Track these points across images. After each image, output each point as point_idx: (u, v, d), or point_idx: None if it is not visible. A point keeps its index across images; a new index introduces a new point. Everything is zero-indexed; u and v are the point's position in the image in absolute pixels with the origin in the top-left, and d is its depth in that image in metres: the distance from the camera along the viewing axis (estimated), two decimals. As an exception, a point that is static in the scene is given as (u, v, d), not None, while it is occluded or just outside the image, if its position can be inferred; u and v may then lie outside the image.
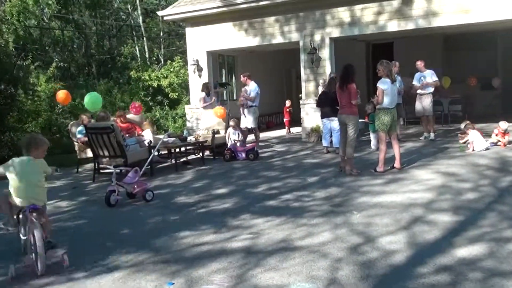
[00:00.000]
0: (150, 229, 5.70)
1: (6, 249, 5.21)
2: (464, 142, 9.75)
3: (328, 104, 9.96)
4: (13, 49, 16.25)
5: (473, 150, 9.44)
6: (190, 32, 14.81)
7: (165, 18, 15.48)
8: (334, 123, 9.76)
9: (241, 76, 12.04)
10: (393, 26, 11.93)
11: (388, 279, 3.89)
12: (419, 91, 11.23)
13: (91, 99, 9.92)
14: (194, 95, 14.70)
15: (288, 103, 15.74)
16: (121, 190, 7.05)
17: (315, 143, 12.27)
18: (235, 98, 16.06)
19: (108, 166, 8.00)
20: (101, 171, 9.31)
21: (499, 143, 9.78)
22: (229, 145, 10.69)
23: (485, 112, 15.07)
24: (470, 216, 5.39)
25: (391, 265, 4.14)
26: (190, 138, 10.88)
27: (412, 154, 9.66)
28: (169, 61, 22.66)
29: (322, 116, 10.47)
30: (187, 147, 10.79)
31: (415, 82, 11.32)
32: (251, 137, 12.10)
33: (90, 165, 10.35)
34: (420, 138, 11.59)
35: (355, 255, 4.39)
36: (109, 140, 8.52)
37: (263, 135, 14.62)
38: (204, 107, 12.38)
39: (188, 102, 16.43)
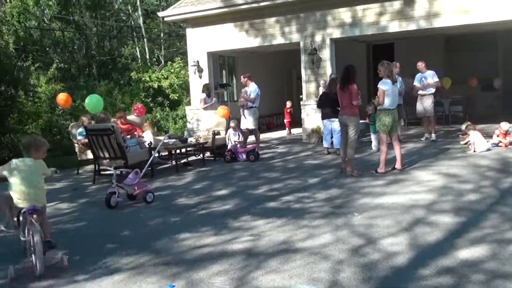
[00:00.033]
0: (150, 231, 5.68)
1: (6, 251, 5.19)
2: (466, 143, 9.74)
3: (328, 105, 9.93)
4: (13, 50, 16.24)
5: (474, 151, 9.43)
6: (191, 33, 14.80)
7: (165, 19, 15.48)
8: (335, 124, 9.74)
9: (241, 77, 12.04)
10: (395, 26, 11.91)
11: (390, 281, 3.87)
12: (420, 92, 11.21)
13: (92, 101, 9.90)
14: (195, 96, 14.69)
15: (288, 104, 15.72)
16: (121, 191, 7.03)
17: (316, 144, 12.25)
18: (235, 99, 16.04)
19: (108, 168, 7.98)
20: (101, 172, 9.31)
21: (500, 144, 9.76)
22: (229, 147, 10.68)
23: (486, 113, 15.05)
24: (471, 218, 5.37)
25: (393, 267, 4.12)
26: (191, 139, 10.87)
27: (413, 155, 9.64)
28: (169, 62, 22.65)
29: (323, 117, 10.45)
30: (188, 149, 10.77)
31: (416, 83, 11.31)
32: (251, 138, 12.08)
33: (90, 167, 10.33)
34: (421, 139, 11.57)
35: (357, 257, 4.37)
36: (109, 142, 8.50)
37: (263, 136, 14.61)
38: (205, 108, 12.37)
39: (189, 103, 16.42)
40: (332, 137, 10.35)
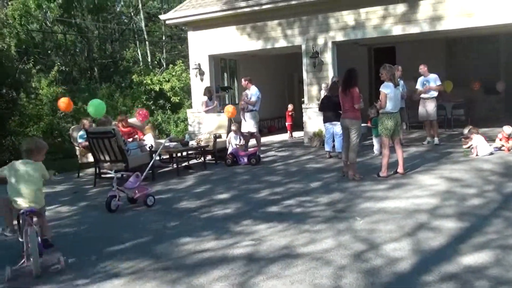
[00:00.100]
0: (151, 235, 5.63)
1: (5, 254, 5.15)
2: (468, 147, 9.69)
3: (330, 108, 9.90)
4: (15, 53, 16.23)
5: (477, 155, 9.38)
6: (192, 36, 14.79)
7: (167, 22, 15.48)
8: (337, 127, 9.70)
9: (242, 80, 12.02)
10: (397, 30, 11.87)
11: (392, 288, 3.82)
12: (422, 95, 11.16)
13: (95, 106, 9.85)
14: (196, 99, 14.67)
15: (290, 107, 15.68)
16: (122, 195, 6.99)
17: (318, 148, 12.21)
18: (237, 102, 16.01)
19: (109, 171, 7.95)
20: (102, 175, 9.28)
21: (503, 148, 9.71)
22: (230, 150, 10.64)
23: (488, 116, 14.99)
24: (475, 223, 5.32)
25: (396, 273, 4.07)
26: (192, 143, 10.84)
27: (416, 159, 9.59)
28: (171, 65, 22.65)
29: (325, 121, 10.41)
30: (189, 152, 10.73)
31: (418, 87, 11.27)
32: (252, 141, 12.05)
33: (91, 170, 10.29)
34: (423, 142, 11.52)
35: (359, 263, 4.33)
36: (110, 145, 8.46)
37: (265, 139, 14.58)
38: (206, 111, 12.34)
39: (190, 106, 16.39)
40: (334, 140, 10.31)
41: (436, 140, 11.23)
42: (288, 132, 15.58)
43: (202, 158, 10.66)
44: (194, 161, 10.98)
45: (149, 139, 10.27)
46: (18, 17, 20.23)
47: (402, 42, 14.98)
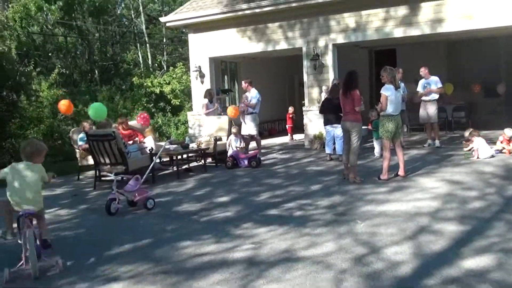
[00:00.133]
0: (150, 238, 5.60)
1: (4, 257, 5.13)
2: (469, 150, 9.65)
3: (331, 111, 9.88)
4: (16, 56, 16.24)
5: (478, 158, 9.35)
6: (193, 39, 14.78)
7: (167, 24, 15.46)
8: (338, 130, 9.68)
9: (243, 82, 12.01)
10: (398, 32, 11.85)
11: (394, 292, 3.80)
12: (424, 98, 11.14)
13: (96, 109, 9.82)
14: (197, 102, 14.65)
15: (291, 109, 15.67)
16: (122, 198, 6.96)
17: (318, 150, 12.18)
18: (237, 104, 15.98)
19: (109, 174, 7.92)
20: (102, 178, 9.26)
21: (504, 151, 9.68)
22: (230, 153, 10.61)
23: (489, 118, 14.97)
24: (476, 226, 5.29)
25: (397, 277, 4.04)
26: (192, 145, 10.81)
27: (416, 161, 9.57)
28: (171, 68, 22.64)
29: (325, 123, 10.39)
30: (189, 154, 10.71)
31: (419, 89, 11.25)
32: (252, 144, 12.03)
33: (91, 173, 10.28)
34: (424, 145, 11.49)
35: (360, 266, 4.30)
36: (110, 147, 8.45)
37: (265, 142, 14.56)
38: (207, 114, 12.32)
39: (191, 109, 16.37)
40: (334, 143, 10.28)
41: (437, 142, 11.20)
42: (289, 134, 15.57)
43: (203, 161, 10.65)
44: (194, 163, 10.96)
45: (149, 142, 10.26)
46: (19, 19, 20.26)
47: (402, 44, 14.97)
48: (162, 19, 15.82)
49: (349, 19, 12.41)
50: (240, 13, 13.35)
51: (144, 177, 7.42)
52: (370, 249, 4.72)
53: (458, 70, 16.25)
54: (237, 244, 5.12)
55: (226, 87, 16.43)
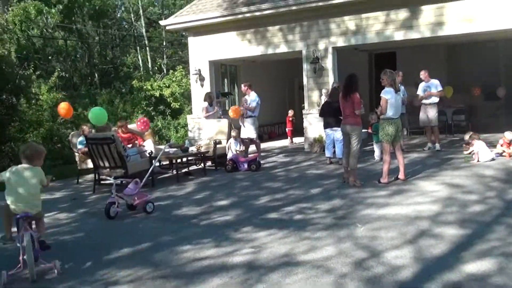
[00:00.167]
0: (150, 242, 5.57)
1: (3, 260, 5.10)
2: (469, 153, 9.63)
3: (331, 114, 9.87)
4: (15, 59, 16.21)
5: (478, 161, 9.33)
6: (193, 42, 14.78)
7: (167, 27, 15.47)
8: (337, 133, 9.66)
9: (242, 85, 12.00)
10: (398, 35, 11.84)
11: (394, 296, 3.77)
12: (424, 101, 11.13)
13: (96, 114, 9.79)
14: (196, 105, 14.63)
15: (290, 113, 15.65)
16: (121, 201, 6.94)
17: (318, 154, 12.16)
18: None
19: (108, 177, 7.90)
20: (101, 182, 9.23)
21: (504, 154, 9.66)
22: (229, 156, 10.59)
23: (489, 122, 14.95)
24: (477, 230, 5.26)
25: (398, 281, 4.01)
26: (192, 149, 10.79)
27: (417, 164, 9.55)
28: (171, 71, 22.64)
29: (325, 126, 10.37)
30: (189, 158, 10.69)
31: (419, 92, 11.23)
32: (252, 147, 12.01)
33: (90, 176, 10.25)
34: (424, 148, 11.47)
35: (360, 271, 4.27)
36: (109, 151, 8.42)
37: (265, 145, 14.54)
38: (207, 117, 12.30)
39: (190, 112, 16.36)
40: (334, 146, 10.26)
41: (437, 146, 11.18)
42: (289, 138, 15.54)
43: (202, 164, 10.62)
44: (194, 167, 10.93)
45: (149, 145, 10.24)
46: (19, 22, 20.26)
47: (402, 47, 14.96)
48: (162, 22, 15.83)
49: (349, 22, 12.40)
50: (240, 16, 13.35)
51: (143, 180, 7.39)
52: (370, 253, 4.70)
53: (458, 73, 16.24)
54: (236, 248, 5.09)
55: (226, 90, 16.42)
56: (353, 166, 8.08)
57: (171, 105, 20.21)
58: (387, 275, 4.14)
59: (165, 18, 18.38)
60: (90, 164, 9.54)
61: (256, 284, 4.10)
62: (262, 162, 10.89)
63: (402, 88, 9.99)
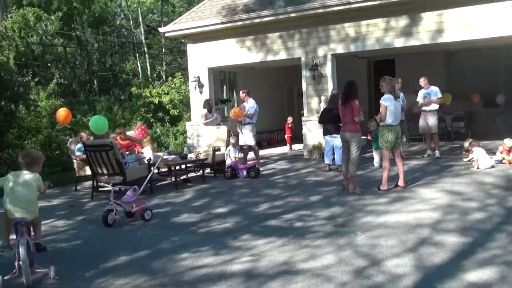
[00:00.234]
0: (148, 250, 5.52)
1: (3, 267, 5.04)
2: (469, 160, 9.61)
3: (330, 121, 9.85)
4: (14, 66, 16.20)
5: (478, 168, 9.30)
6: (192, 49, 14.78)
7: (166, 34, 15.48)
8: (337, 140, 9.64)
9: (240, 92, 12.00)
10: (398, 42, 11.85)
11: (395, 306, 3.72)
12: (424, 108, 11.11)
13: (97, 122, 9.75)
14: (195, 112, 14.62)
15: (289, 119, 15.63)
16: (119, 209, 6.89)
17: (317, 161, 12.13)
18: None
19: (106, 184, 7.85)
20: (99, 189, 9.17)
21: (504, 161, 9.64)
22: (228, 163, 10.55)
23: (488, 129, 14.94)
24: (478, 238, 5.22)
25: (398, 290, 3.97)
26: (191, 156, 10.75)
27: (416, 172, 9.51)
28: (170, 78, 22.63)
29: (325, 133, 10.35)
30: (187, 165, 10.65)
31: (419, 99, 11.22)
32: (251, 154, 11.97)
33: (89, 183, 10.20)
34: (424, 155, 11.44)
35: (360, 279, 4.22)
36: (107, 158, 8.39)
37: (264, 152, 14.50)
38: (206, 124, 12.27)
39: (189, 119, 16.34)
40: (333, 153, 10.23)
41: (437, 153, 11.16)
42: (288, 144, 15.52)
43: (201, 171, 10.58)
44: (192, 174, 10.88)
45: (147, 152, 10.20)
46: (18, 29, 20.25)
47: (402, 54, 14.98)
48: (161, 29, 15.85)
49: (348, 29, 12.41)
50: (239, 23, 13.36)
51: (142, 187, 7.35)
52: (370, 261, 4.65)
53: (457, 80, 16.26)
54: (235, 256, 5.04)
55: (225, 97, 16.41)
56: (352, 173, 8.04)
57: (170, 112, 20.18)
58: (387, 284, 4.09)
59: (164, 25, 18.38)
60: (88, 171, 9.51)
61: (255, 293, 4.06)
62: (261, 169, 10.85)
63: (401, 95, 9.98)
